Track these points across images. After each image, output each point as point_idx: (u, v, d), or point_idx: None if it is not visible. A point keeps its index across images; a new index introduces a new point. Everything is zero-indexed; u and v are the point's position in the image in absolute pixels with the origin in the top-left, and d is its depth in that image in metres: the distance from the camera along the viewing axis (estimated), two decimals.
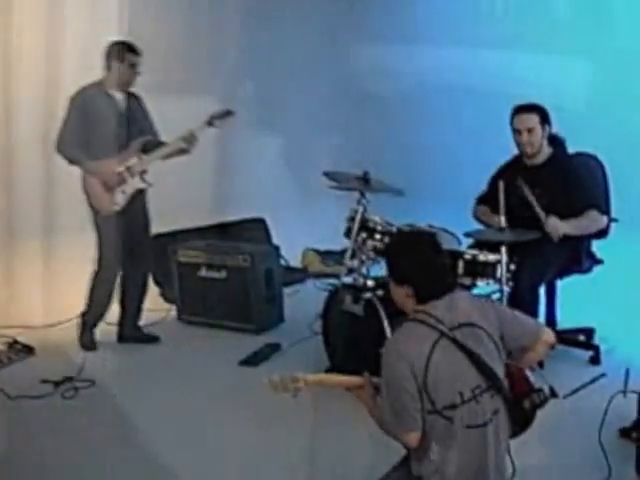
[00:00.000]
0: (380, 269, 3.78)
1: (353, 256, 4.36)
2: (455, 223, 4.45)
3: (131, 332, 5.20)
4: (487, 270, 4.10)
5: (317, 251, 7.06)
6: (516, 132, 4.45)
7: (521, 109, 4.45)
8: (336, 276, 5.00)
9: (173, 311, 5.78)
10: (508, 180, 4.20)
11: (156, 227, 5.27)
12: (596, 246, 4.60)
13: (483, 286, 4.15)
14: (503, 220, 4.06)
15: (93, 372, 4.56)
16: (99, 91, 4.80)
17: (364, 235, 4.31)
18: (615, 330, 4.83)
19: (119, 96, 4.87)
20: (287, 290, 5.96)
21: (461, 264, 4.10)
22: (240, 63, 7.15)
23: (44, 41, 5.55)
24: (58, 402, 4.25)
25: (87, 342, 5.03)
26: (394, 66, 7.62)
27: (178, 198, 6.49)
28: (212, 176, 6.85)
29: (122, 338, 5.20)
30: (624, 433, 3.48)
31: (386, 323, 3.95)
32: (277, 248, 6.02)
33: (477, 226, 4.57)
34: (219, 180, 7.00)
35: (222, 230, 6.76)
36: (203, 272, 5.57)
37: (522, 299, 4.08)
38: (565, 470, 3.35)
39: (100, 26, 5.69)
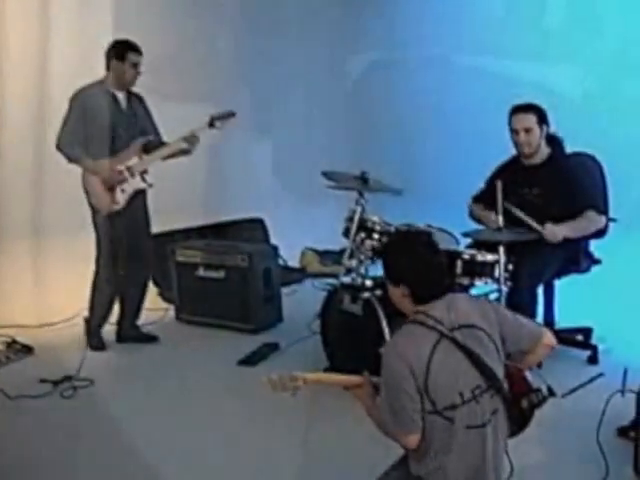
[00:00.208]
0: (378, 269, 3.78)
1: (351, 256, 4.36)
2: (453, 223, 4.45)
3: (130, 332, 5.21)
4: (485, 270, 4.10)
5: (316, 251, 7.07)
6: (514, 132, 4.44)
7: (518, 109, 4.44)
8: (334, 276, 5.01)
9: (171, 311, 5.79)
10: (506, 180, 4.20)
11: (155, 227, 5.27)
12: (594, 246, 4.61)
13: (481, 286, 4.15)
14: (501, 220, 4.07)
15: (92, 371, 4.57)
16: (100, 90, 4.80)
17: (362, 235, 4.31)
18: (613, 330, 4.84)
19: (120, 95, 4.87)
20: (285, 290, 5.98)
21: (459, 264, 4.11)
22: (239, 64, 7.15)
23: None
24: (57, 401, 4.26)
25: (95, 344, 5.05)
26: (393, 66, 7.63)
27: (177, 198, 6.50)
28: (211, 176, 6.85)
29: (121, 338, 5.21)
30: (622, 432, 3.49)
31: (384, 323, 3.95)
32: (275, 248, 6.02)
33: (475, 226, 4.58)
34: (218, 180, 7.01)
35: (220, 230, 6.77)
36: (201, 272, 5.58)
37: (520, 299, 4.09)
38: (563, 469, 3.35)
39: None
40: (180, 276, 5.69)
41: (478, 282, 4.13)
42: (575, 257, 4.48)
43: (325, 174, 4.51)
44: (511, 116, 4.45)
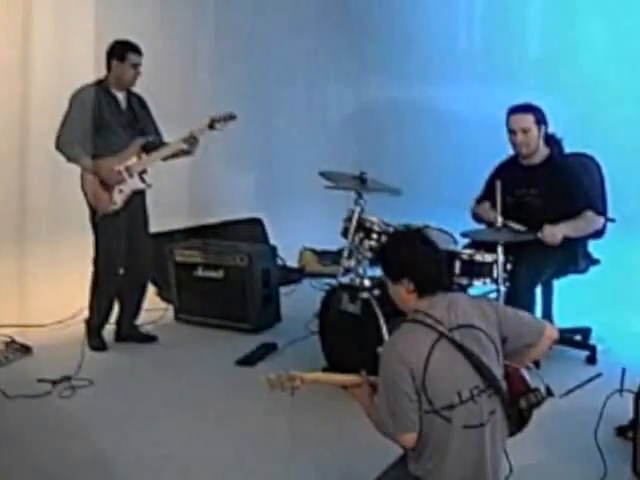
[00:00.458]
0: (377, 269, 3.79)
1: (350, 256, 4.36)
2: (452, 223, 4.46)
3: (129, 331, 5.21)
4: (484, 270, 4.11)
5: (314, 251, 7.07)
6: (511, 132, 4.44)
7: (516, 109, 4.44)
8: (333, 276, 5.00)
9: (170, 311, 5.79)
10: (505, 180, 4.20)
11: (153, 227, 5.27)
12: (592, 246, 4.61)
13: (480, 286, 4.15)
14: (500, 219, 4.07)
15: (91, 371, 4.57)
16: (100, 89, 4.80)
17: (361, 235, 4.31)
18: (611, 330, 4.84)
19: (120, 95, 4.87)
20: (284, 290, 5.97)
21: (458, 264, 4.11)
22: (238, 63, 7.15)
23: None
24: (56, 401, 4.26)
25: (96, 344, 5.04)
26: (392, 66, 7.62)
27: (176, 198, 6.52)
28: (210, 176, 6.85)
29: (120, 337, 5.21)
30: (620, 432, 3.50)
31: (383, 323, 3.95)
32: (274, 248, 6.03)
33: (474, 226, 4.58)
34: (217, 180, 7.01)
35: (219, 230, 6.77)
36: (200, 272, 5.58)
37: (519, 299, 4.08)
38: (562, 469, 3.35)
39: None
40: (179, 276, 5.69)
41: (476, 282, 4.13)
42: (574, 257, 4.48)
43: (323, 174, 4.51)
44: (508, 116, 4.45)
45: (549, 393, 2.76)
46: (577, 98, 6.29)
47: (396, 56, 7.55)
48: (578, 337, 4.74)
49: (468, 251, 4.19)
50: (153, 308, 5.66)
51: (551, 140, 4.49)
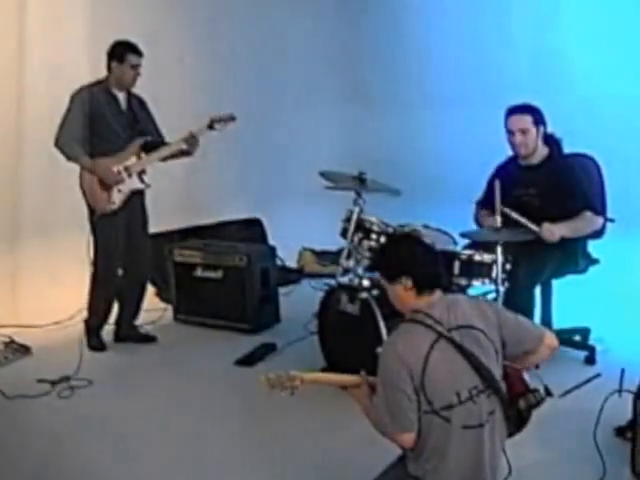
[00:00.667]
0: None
1: (349, 256, 4.36)
2: (451, 223, 4.45)
3: (128, 332, 5.21)
4: (483, 270, 4.10)
5: (313, 251, 7.07)
6: (509, 133, 4.44)
7: (514, 110, 4.44)
8: (332, 276, 5.00)
9: (169, 311, 5.79)
10: (504, 180, 4.20)
11: (153, 227, 5.27)
12: (592, 246, 4.61)
13: (479, 286, 4.15)
14: (499, 220, 4.06)
15: (90, 371, 4.57)
16: (101, 89, 4.80)
17: (360, 235, 4.30)
18: (611, 330, 4.84)
19: (121, 96, 4.87)
20: (283, 290, 5.97)
21: (457, 264, 4.11)
22: (237, 63, 7.15)
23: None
24: (55, 401, 4.26)
25: (95, 344, 5.05)
26: (393, 65, 7.62)
27: (175, 198, 6.51)
28: (209, 176, 6.85)
29: (119, 338, 5.21)
30: (619, 432, 3.49)
31: (382, 323, 3.95)
32: (273, 248, 6.02)
33: (473, 226, 4.58)
34: (216, 180, 7.00)
35: (218, 230, 6.76)
36: (199, 272, 5.58)
37: (518, 299, 4.08)
38: (561, 469, 3.35)
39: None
40: (178, 276, 5.68)
41: (476, 282, 4.13)
42: (573, 257, 4.48)
43: (323, 174, 4.50)
44: (507, 117, 4.44)
45: (548, 393, 2.77)
46: (577, 98, 6.29)
47: (396, 56, 7.55)
48: (577, 337, 4.73)
49: (467, 251, 4.18)
50: (152, 308, 5.66)
51: (550, 140, 4.49)
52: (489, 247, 4.09)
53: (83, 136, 4.74)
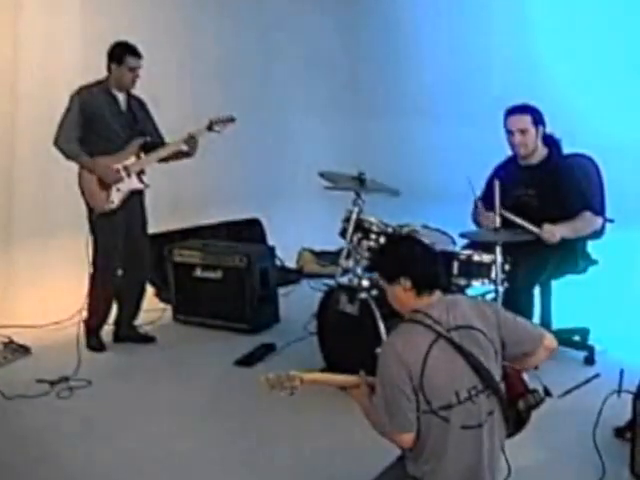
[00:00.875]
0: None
1: (348, 256, 4.36)
2: (450, 223, 4.46)
3: (127, 332, 5.21)
4: (482, 270, 4.10)
5: (312, 251, 7.07)
6: (509, 133, 4.44)
7: (513, 110, 4.44)
8: (331, 276, 5.01)
9: (169, 311, 5.78)
10: (503, 180, 4.20)
11: (152, 227, 5.27)
12: (591, 247, 4.61)
13: (478, 286, 4.15)
14: (498, 220, 4.06)
15: (89, 372, 4.57)
16: (101, 89, 4.80)
17: (359, 235, 4.30)
18: (610, 331, 4.84)
19: (120, 96, 4.87)
20: (282, 290, 5.97)
21: (456, 265, 4.11)
22: (237, 63, 7.15)
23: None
24: (54, 402, 4.26)
25: (94, 345, 5.05)
26: (391, 66, 7.62)
27: (174, 198, 6.51)
28: (208, 176, 6.84)
29: (118, 338, 5.21)
30: (618, 433, 3.49)
31: (381, 323, 3.95)
32: (272, 248, 6.02)
33: (473, 227, 4.58)
34: (215, 180, 7.00)
35: (218, 230, 6.77)
36: (199, 272, 5.58)
37: (517, 299, 4.08)
38: (560, 470, 3.35)
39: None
40: (177, 276, 5.68)
41: (475, 283, 4.13)
42: (572, 258, 4.48)
43: (322, 174, 4.50)
44: (506, 117, 4.44)
45: (547, 393, 2.77)
46: (576, 98, 6.29)
47: (396, 56, 7.56)
48: (576, 338, 4.73)
49: (466, 252, 4.18)
50: (152, 309, 5.66)
51: (549, 140, 4.49)
52: (488, 247, 4.10)
53: (83, 134, 4.74)
